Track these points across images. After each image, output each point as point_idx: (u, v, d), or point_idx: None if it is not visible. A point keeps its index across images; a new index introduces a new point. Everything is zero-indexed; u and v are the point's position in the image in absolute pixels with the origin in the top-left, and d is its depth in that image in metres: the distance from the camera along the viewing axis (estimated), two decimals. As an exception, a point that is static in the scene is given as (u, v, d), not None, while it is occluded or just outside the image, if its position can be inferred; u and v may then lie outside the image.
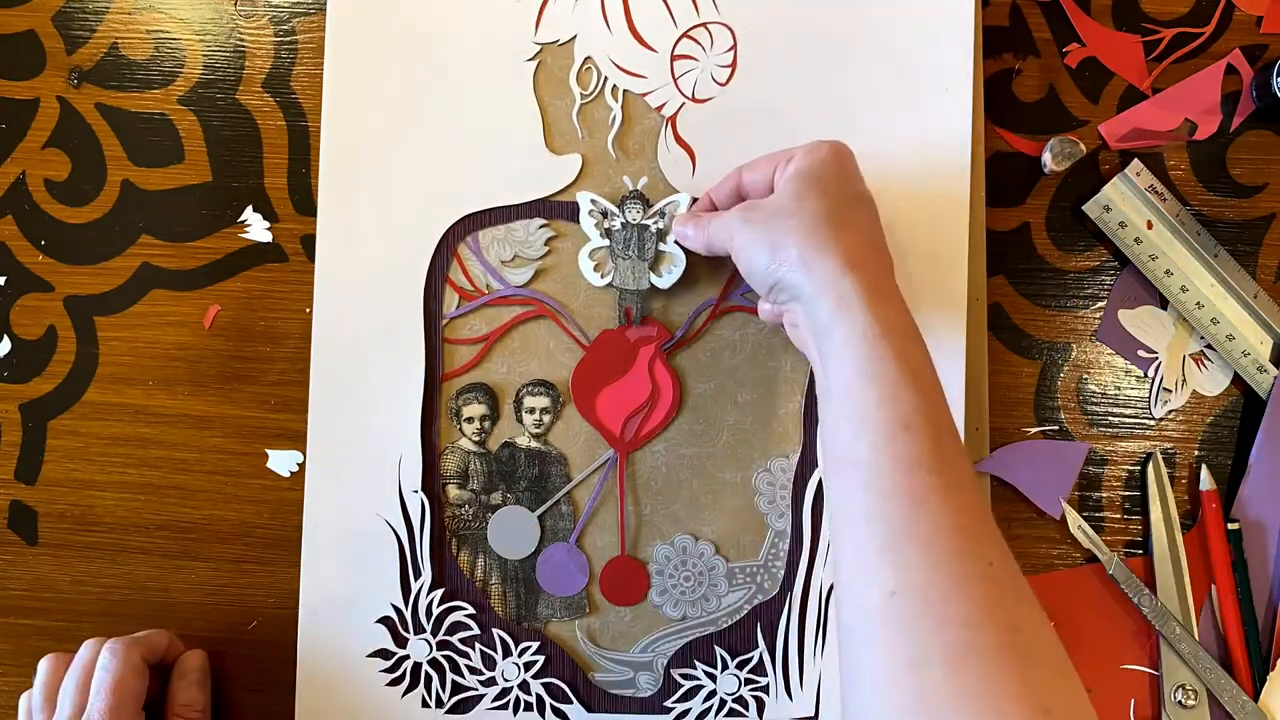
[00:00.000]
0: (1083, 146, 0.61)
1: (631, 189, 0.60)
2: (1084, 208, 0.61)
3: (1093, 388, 0.62)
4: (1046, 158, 0.61)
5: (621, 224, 0.60)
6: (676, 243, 0.60)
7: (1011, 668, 0.39)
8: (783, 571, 0.61)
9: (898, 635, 0.41)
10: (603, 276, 0.60)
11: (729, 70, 0.61)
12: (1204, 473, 0.61)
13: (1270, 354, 0.60)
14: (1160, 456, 0.61)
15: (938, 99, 0.60)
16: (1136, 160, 0.61)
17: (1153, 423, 0.62)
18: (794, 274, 0.49)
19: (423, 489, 0.61)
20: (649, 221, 0.60)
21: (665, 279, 0.60)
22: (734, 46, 0.61)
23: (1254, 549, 0.60)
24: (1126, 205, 0.60)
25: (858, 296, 0.47)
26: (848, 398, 0.46)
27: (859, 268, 0.48)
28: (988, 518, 0.44)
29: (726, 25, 0.61)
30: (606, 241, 0.60)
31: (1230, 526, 0.60)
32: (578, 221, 0.61)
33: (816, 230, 0.49)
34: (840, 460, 0.46)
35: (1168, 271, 0.60)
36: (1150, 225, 0.60)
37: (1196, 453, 0.62)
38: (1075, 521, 0.61)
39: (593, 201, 0.60)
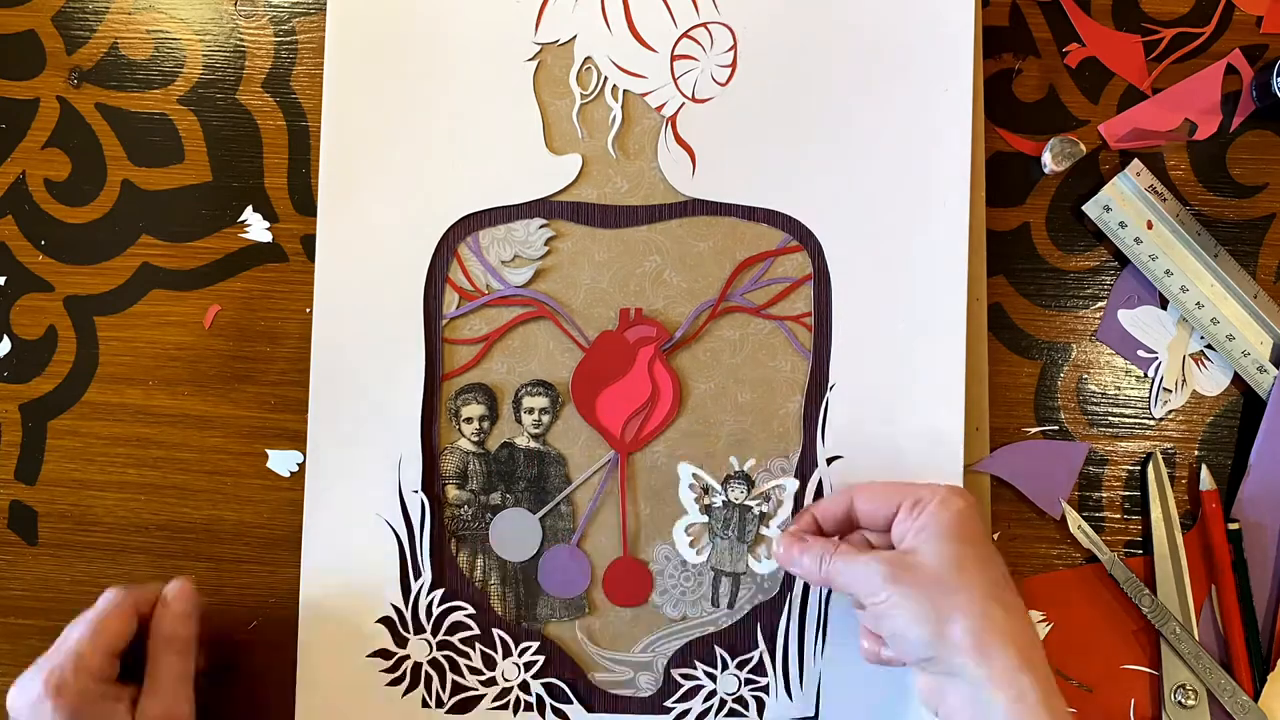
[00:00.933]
0: (1083, 146, 0.61)
1: (737, 469, 0.60)
2: (1084, 208, 0.61)
3: (1093, 388, 0.62)
4: (1046, 158, 0.61)
5: (723, 502, 0.60)
6: (779, 527, 0.59)
7: None
8: (783, 571, 0.61)
9: None
10: (698, 553, 0.60)
11: (729, 70, 0.61)
12: (1204, 473, 0.61)
13: (1270, 354, 0.60)
14: (1160, 456, 0.61)
15: (938, 99, 0.60)
16: (1137, 160, 0.61)
17: (1153, 423, 0.62)
18: (962, 658, 0.48)
19: (423, 489, 0.61)
20: (752, 503, 0.60)
21: (765, 564, 0.60)
22: (734, 46, 0.61)
23: (1254, 549, 0.60)
24: (1126, 205, 0.60)
25: (1037, 699, 0.46)
26: None
27: (1037, 664, 0.47)
28: None
29: (726, 25, 0.61)
30: (704, 518, 0.60)
31: (1230, 526, 0.60)
32: (578, 222, 0.61)
33: (988, 612, 0.48)
34: None
35: (1168, 271, 0.60)
36: (1150, 225, 0.60)
37: (1196, 453, 0.62)
38: (1075, 521, 0.61)
39: (694, 476, 0.60)
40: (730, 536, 0.60)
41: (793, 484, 0.60)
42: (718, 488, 0.60)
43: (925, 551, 0.50)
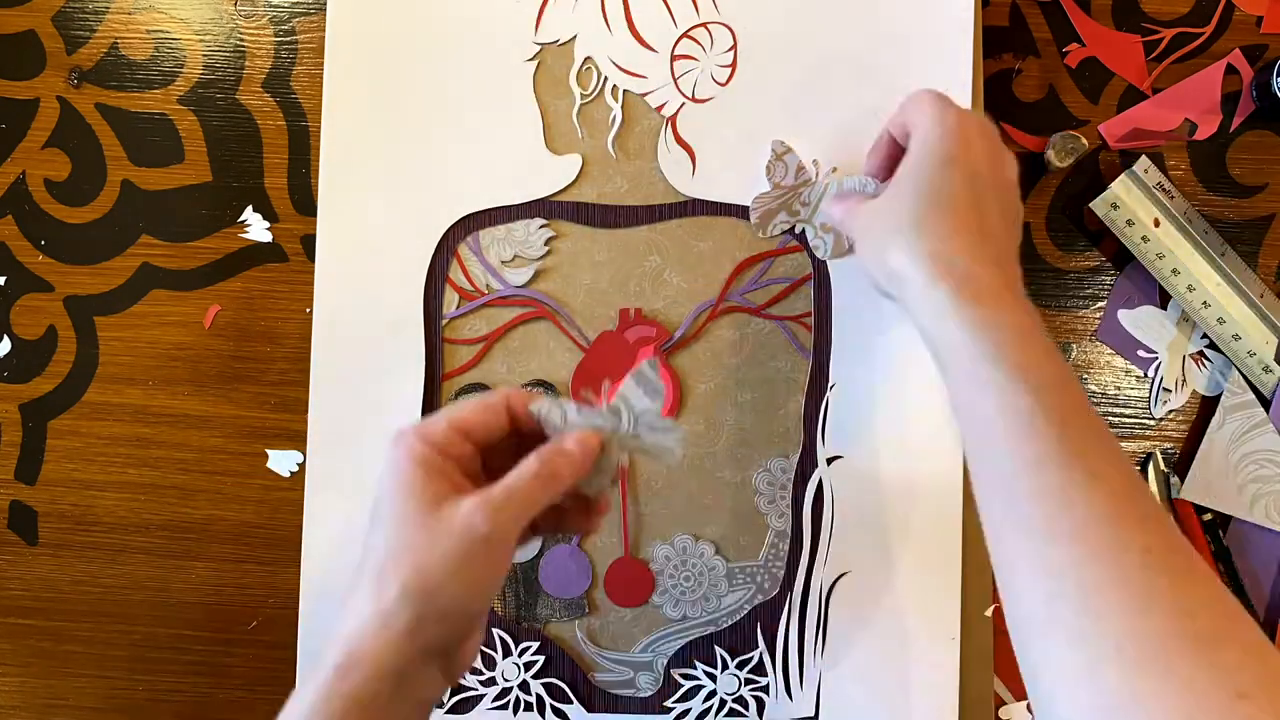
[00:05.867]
0: (1085, 142, 0.61)
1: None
2: (1091, 205, 0.60)
3: (1093, 388, 0.62)
4: (1049, 154, 0.61)
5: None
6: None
7: (1192, 655, 0.36)
8: (783, 571, 0.61)
9: (1065, 641, 0.39)
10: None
11: (729, 70, 0.61)
12: (1173, 480, 0.61)
13: (1276, 353, 0.60)
14: (1160, 456, 0.61)
15: (938, 99, 0.60)
16: (1144, 157, 0.61)
17: (1153, 423, 0.62)
18: (893, 285, 0.48)
19: (423, 489, 0.61)
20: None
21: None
22: (734, 46, 0.61)
23: (1255, 549, 0.60)
24: (1134, 202, 0.60)
25: (954, 305, 0.44)
26: (968, 406, 0.45)
27: (952, 273, 0.45)
28: (1138, 501, 0.41)
29: (726, 25, 0.61)
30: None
31: (1204, 518, 0.60)
32: (578, 222, 0.61)
33: (908, 233, 0.47)
34: (976, 474, 0.45)
35: (1174, 270, 0.60)
36: (1157, 223, 0.60)
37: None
38: None
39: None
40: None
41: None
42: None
43: (896, 177, 0.50)
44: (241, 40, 0.64)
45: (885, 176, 0.54)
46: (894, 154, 0.53)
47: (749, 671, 0.60)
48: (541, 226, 0.61)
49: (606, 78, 0.61)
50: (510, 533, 0.43)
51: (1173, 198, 0.61)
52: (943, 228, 0.47)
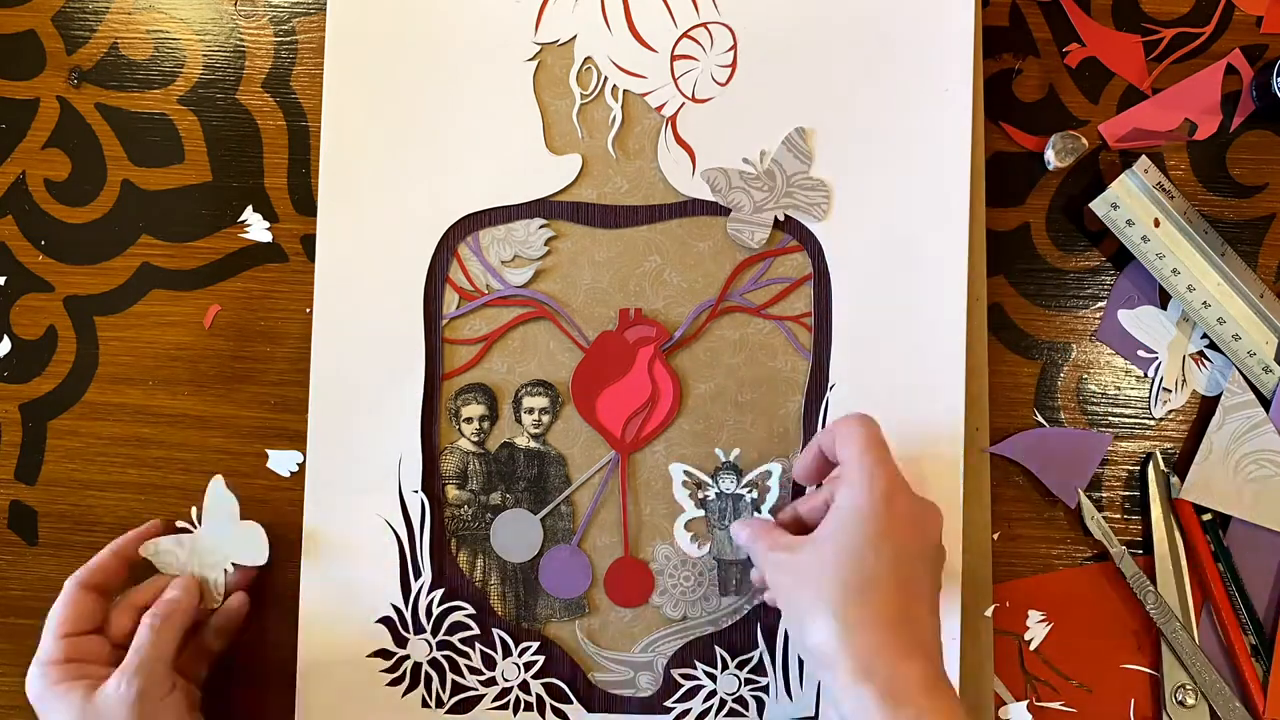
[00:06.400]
0: (1085, 142, 0.61)
1: (724, 460, 0.60)
2: (1091, 205, 0.60)
3: (1093, 388, 0.62)
4: (1049, 154, 0.61)
5: (716, 494, 0.60)
6: (770, 511, 0.60)
7: None
8: (783, 571, 0.61)
9: None
10: (700, 547, 0.60)
11: (729, 70, 0.61)
12: (1173, 480, 0.61)
13: (1276, 353, 0.60)
14: (1160, 456, 0.61)
15: (938, 99, 0.60)
16: (1144, 157, 0.61)
17: (1153, 423, 0.62)
18: (813, 663, 0.49)
19: (423, 489, 0.61)
20: (743, 491, 0.60)
21: None
22: (734, 46, 0.61)
23: (1257, 549, 0.60)
24: (1134, 202, 0.60)
25: (875, 709, 0.45)
26: None
27: (876, 675, 0.46)
28: None
29: (727, 25, 0.61)
30: (701, 512, 0.60)
31: (1204, 518, 0.60)
32: (578, 222, 0.61)
33: (836, 616, 0.47)
34: None
35: (1174, 270, 0.60)
36: (1157, 223, 0.60)
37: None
38: (1090, 513, 0.61)
39: (686, 473, 0.60)
40: (727, 526, 0.60)
41: (778, 467, 0.60)
42: (709, 481, 0.60)
43: (812, 543, 0.50)
44: (241, 40, 0.64)
45: (815, 483, 0.56)
46: (822, 469, 0.55)
47: (749, 671, 0.60)
48: (541, 226, 0.61)
49: (606, 78, 0.61)
50: (159, 684, 0.53)
51: (1173, 198, 0.61)
52: (868, 617, 0.47)
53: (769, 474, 0.60)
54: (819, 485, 0.57)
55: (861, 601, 0.47)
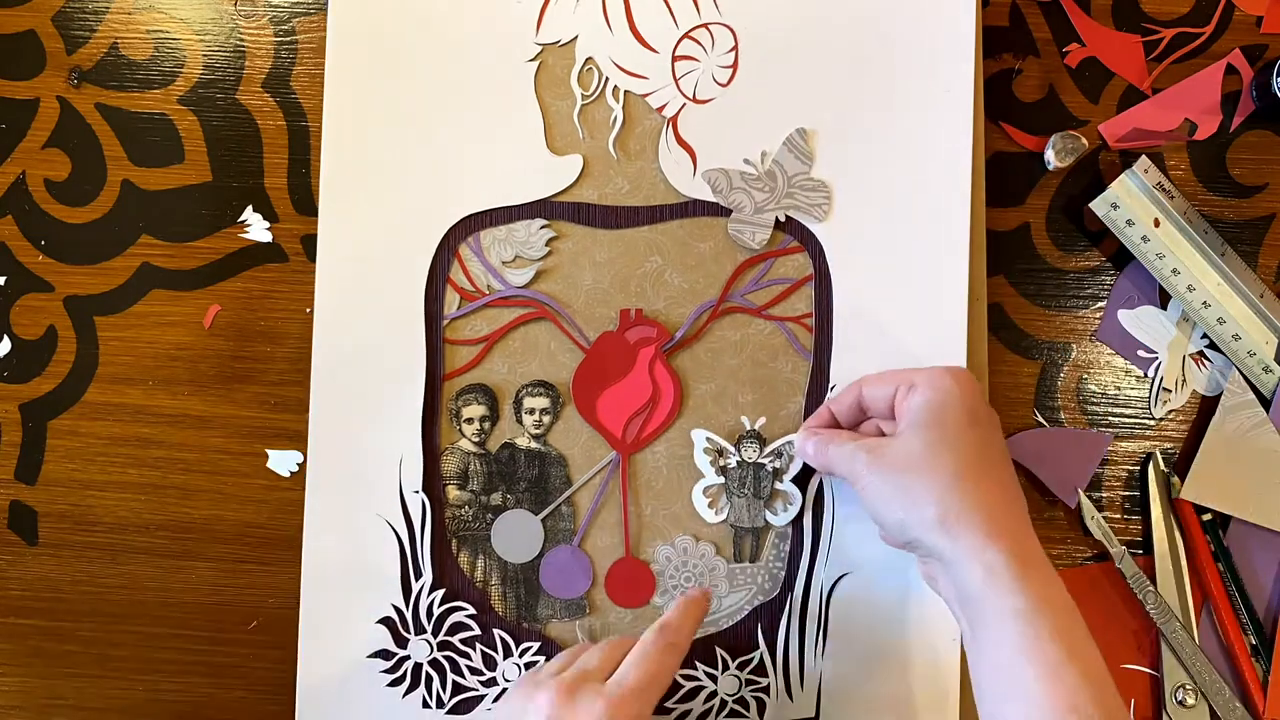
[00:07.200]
0: (1085, 142, 0.61)
1: (749, 428, 0.60)
2: (1091, 205, 0.60)
3: (1093, 388, 0.62)
4: (1050, 154, 0.61)
5: (737, 462, 0.60)
6: (793, 481, 0.60)
7: None
8: (783, 572, 0.61)
9: None
10: (717, 513, 0.60)
11: (730, 71, 0.61)
12: (1173, 480, 0.61)
13: (1276, 353, 0.60)
14: (1160, 456, 0.62)
15: (938, 99, 0.60)
16: (1144, 157, 0.61)
17: (1153, 423, 0.62)
18: (933, 537, 0.49)
19: (424, 489, 0.61)
20: (765, 460, 0.60)
21: (781, 517, 0.60)
22: (735, 47, 0.61)
23: (1257, 548, 0.61)
24: (1134, 202, 0.60)
25: (1007, 568, 0.47)
26: (1007, 676, 0.46)
27: (1004, 534, 0.48)
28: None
29: (728, 26, 0.61)
30: (721, 479, 0.60)
31: (1204, 518, 0.60)
32: (578, 222, 0.61)
33: (954, 489, 0.49)
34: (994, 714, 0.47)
35: (1174, 270, 0.60)
36: (1157, 223, 0.60)
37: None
38: (1090, 513, 0.61)
39: (708, 439, 0.60)
40: (747, 494, 0.60)
41: (801, 439, 0.60)
42: (731, 449, 0.60)
43: (905, 436, 0.51)
44: (241, 40, 0.63)
45: (845, 424, 0.57)
46: (853, 416, 0.57)
47: (749, 672, 0.61)
48: (542, 227, 0.61)
49: (608, 78, 0.61)
50: None
51: (1173, 198, 0.61)
52: (986, 488, 0.49)
53: (792, 444, 0.60)
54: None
55: (978, 475, 0.50)
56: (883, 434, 0.55)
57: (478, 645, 0.61)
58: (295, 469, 0.62)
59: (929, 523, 0.49)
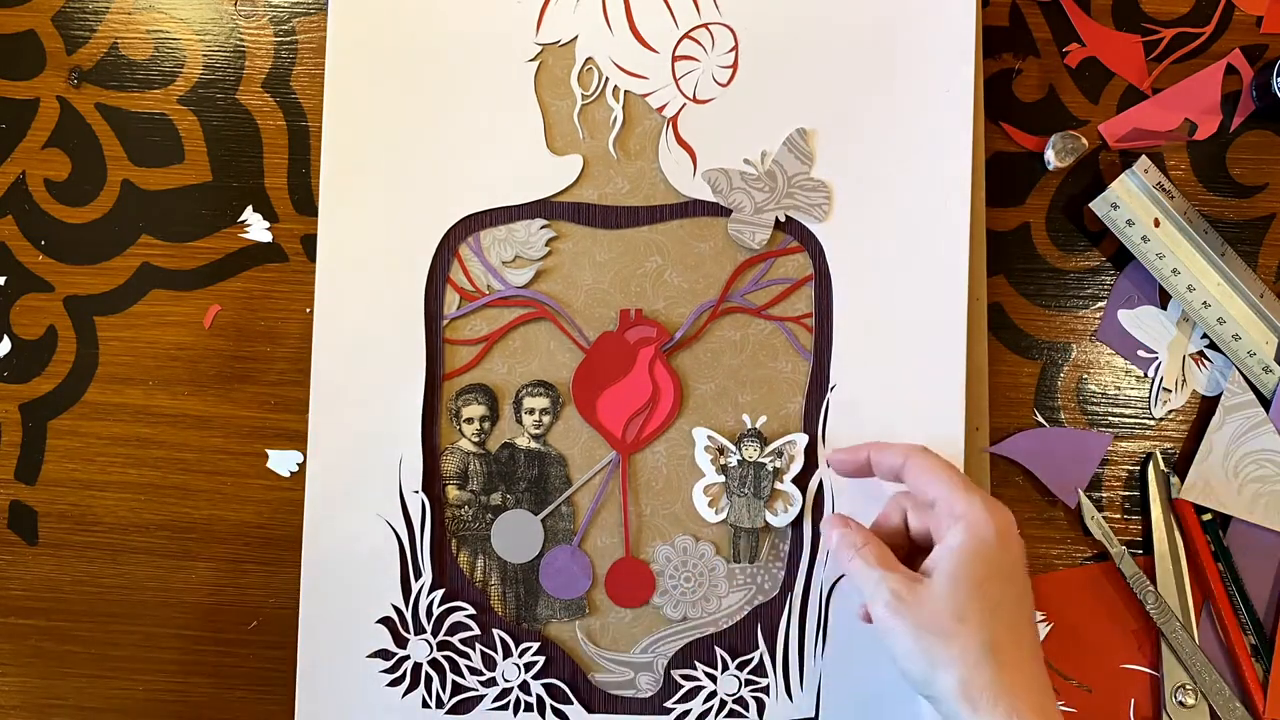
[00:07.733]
0: (1085, 142, 0.61)
1: (750, 427, 0.60)
2: (1091, 205, 0.60)
3: (1093, 388, 0.62)
4: (1049, 154, 0.61)
5: (738, 460, 0.60)
6: (793, 481, 0.60)
7: None
8: (783, 572, 0.61)
9: None
10: (717, 512, 0.60)
11: (730, 71, 0.61)
12: (1173, 480, 0.61)
13: (1276, 353, 0.60)
14: (1160, 456, 0.61)
15: (938, 99, 0.60)
16: (1145, 157, 0.61)
17: (1153, 423, 0.62)
18: (953, 704, 0.48)
19: (423, 489, 0.61)
20: (765, 460, 0.60)
21: (781, 518, 0.60)
22: (735, 47, 0.61)
23: (1257, 548, 0.61)
24: (1134, 202, 0.60)
25: None
26: None
27: (1030, 714, 0.47)
28: None
29: (728, 26, 0.61)
30: (722, 478, 0.60)
31: (1204, 518, 0.60)
32: (578, 222, 0.61)
33: (982, 664, 0.48)
34: None
35: (1174, 270, 0.60)
36: (1157, 223, 0.60)
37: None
38: (1090, 513, 0.61)
39: (709, 438, 0.60)
40: (747, 494, 0.60)
41: (803, 439, 0.60)
42: (732, 447, 0.60)
43: (937, 584, 0.50)
44: (241, 40, 0.63)
45: (881, 476, 0.56)
46: (862, 473, 0.57)
47: (749, 672, 0.60)
48: (542, 227, 0.61)
49: (608, 78, 0.61)
50: None
51: (1173, 198, 0.61)
52: (1009, 659, 0.48)
53: (793, 443, 0.60)
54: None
55: (1008, 648, 0.48)
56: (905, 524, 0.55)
57: (477, 645, 0.61)
58: (295, 469, 0.62)
59: (950, 690, 0.48)
